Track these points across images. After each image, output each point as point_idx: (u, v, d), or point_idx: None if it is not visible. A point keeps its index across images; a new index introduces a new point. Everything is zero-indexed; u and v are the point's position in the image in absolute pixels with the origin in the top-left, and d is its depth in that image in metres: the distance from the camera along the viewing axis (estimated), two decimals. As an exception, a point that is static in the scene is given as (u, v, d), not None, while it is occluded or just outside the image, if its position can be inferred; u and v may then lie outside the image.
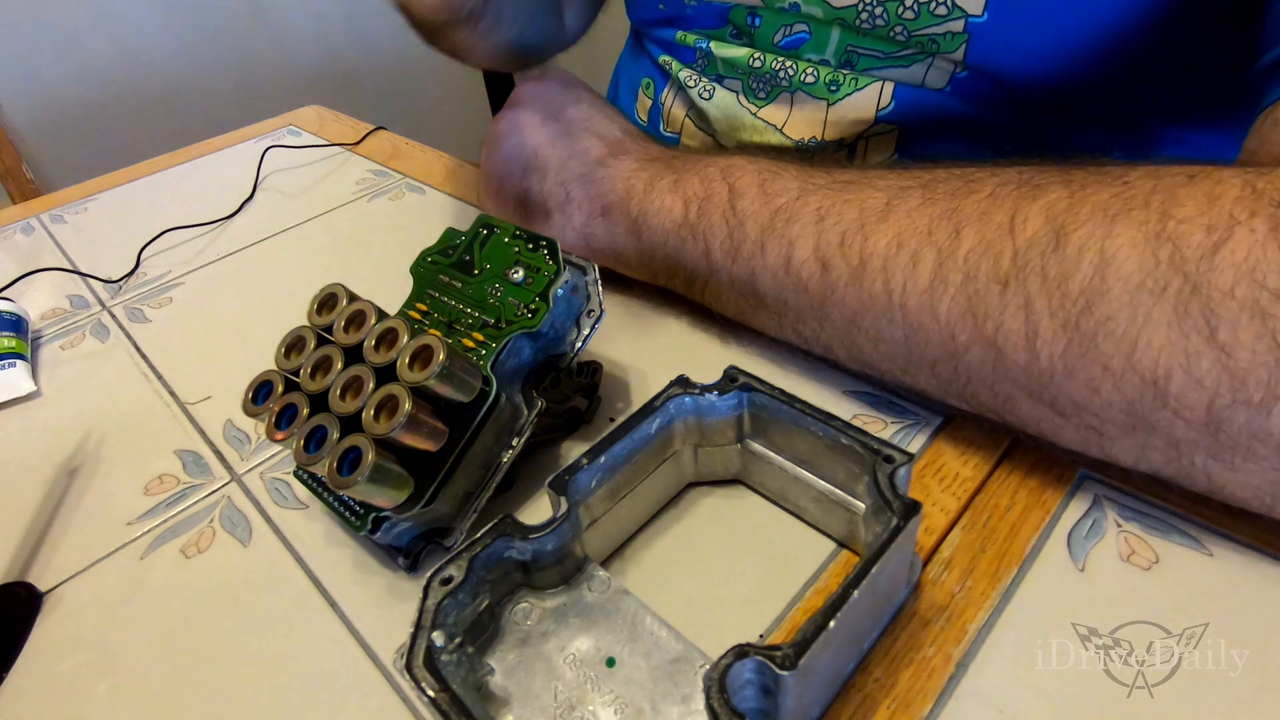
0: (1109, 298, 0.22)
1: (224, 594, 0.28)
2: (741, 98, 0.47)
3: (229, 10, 1.60)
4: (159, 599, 0.28)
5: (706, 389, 0.26)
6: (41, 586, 0.29)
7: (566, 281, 0.29)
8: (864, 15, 0.38)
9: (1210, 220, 0.21)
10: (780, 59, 0.44)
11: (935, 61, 0.38)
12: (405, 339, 0.25)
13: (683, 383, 0.26)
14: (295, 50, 1.59)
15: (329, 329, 0.27)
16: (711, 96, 0.49)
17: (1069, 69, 0.35)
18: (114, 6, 1.49)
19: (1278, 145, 0.25)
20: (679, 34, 0.48)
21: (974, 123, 0.39)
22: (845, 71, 0.42)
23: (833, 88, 0.42)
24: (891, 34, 0.38)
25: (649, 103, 0.55)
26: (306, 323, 0.28)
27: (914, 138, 0.41)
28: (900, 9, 0.37)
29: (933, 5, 0.36)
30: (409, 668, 0.20)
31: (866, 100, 0.41)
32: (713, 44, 0.46)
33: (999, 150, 0.38)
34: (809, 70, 0.43)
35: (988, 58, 0.36)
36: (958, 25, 0.35)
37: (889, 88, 0.40)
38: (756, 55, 0.44)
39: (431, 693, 0.19)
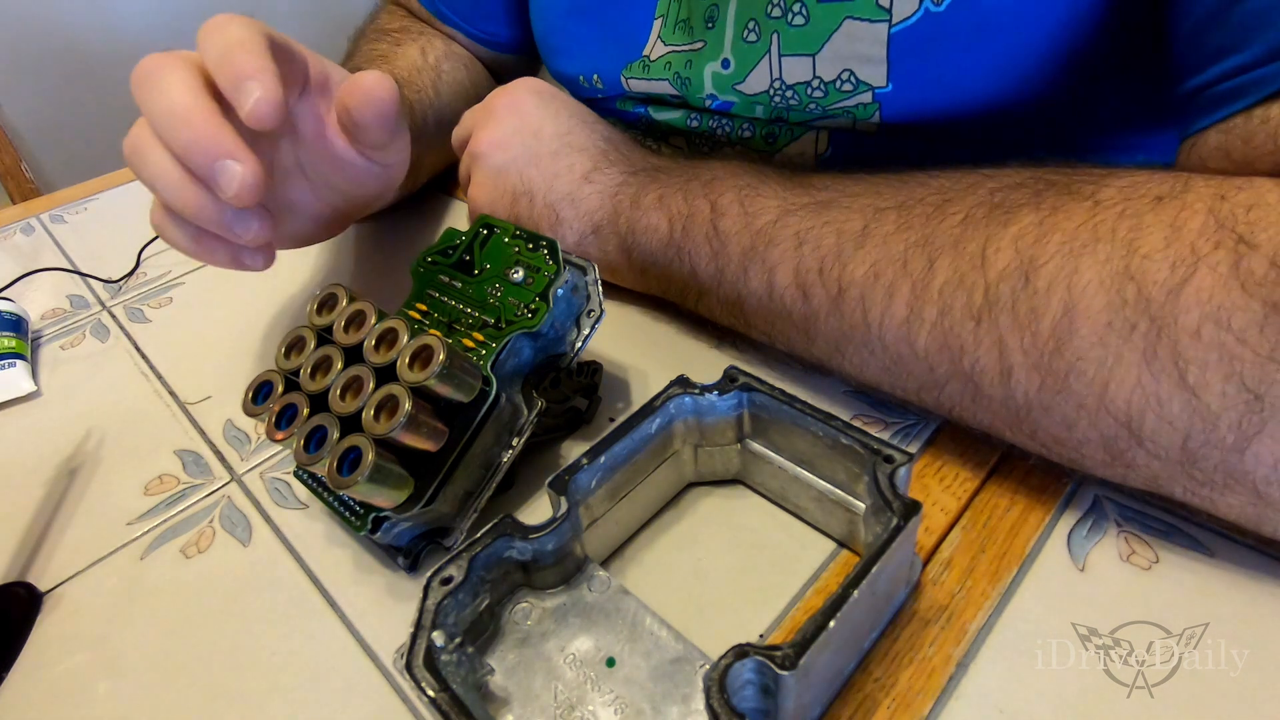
0: (1078, 338, 0.22)
1: (224, 594, 0.28)
2: (686, 155, 0.47)
3: (228, 9, 1.59)
4: (159, 599, 0.28)
5: (706, 389, 0.26)
6: (41, 586, 0.29)
7: (566, 281, 0.29)
8: (776, 99, 0.38)
9: (1174, 255, 0.21)
10: (716, 118, 0.44)
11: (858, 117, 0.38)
12: (405, 339, 0.25)
13: (683, 383, 0.26)
14: (295, 50, 1.59)
15: (329, 329, 0.27)
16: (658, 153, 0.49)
17: (986, 111, 0.34)
18: (114, 6, 1.49)
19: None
20: (618, 102, 0.48)
21: (914, 157, 0.39)
22: (779, 124, 0.42)
23: (770, 140, 0.42)
24: (807, 109, 0.38)
25: None
26: (306, 323, 0.28)
27: None
28: (809, 90, 0.37)
29: (838, 84, 0.36)
30: (409, 668, 0.20)
31: (805, 147, 0.41)
32: (650, 108, 0.47)
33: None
34: (745, 125, 0.43)
35: (904, 116, 0.36)
36: (866, 97, 0.36)
37: (825, 135, 0.40)
38: (693, 115, 0.45)
39: (431, 693, 0.19)
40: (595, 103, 0.51)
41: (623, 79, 0.45)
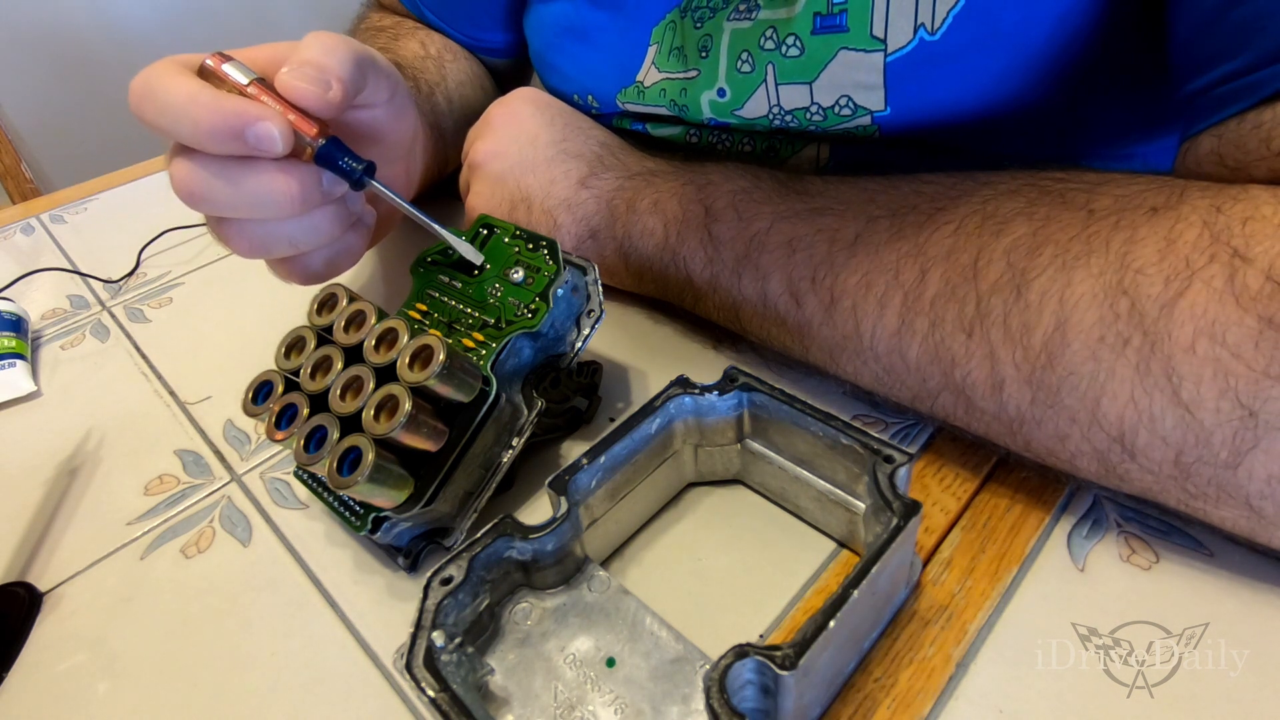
0: (1070, 352, 0.22)
1: (224, 594, 0.28)
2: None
3: (229, 9, 1.60)
4: (159, 599, 0.28)
5: (706, 389, 0.26)
6: (41, 586, 0.29)
7: (566, 281, 0.29)
8: (776, 122, 0.38)
9: (1168, 269, 0.21)
10: (716, 133, 0.44)
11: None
12: (405, 339, 0.25)
13: (683, 383, 0.26)
14: (295, 50, 1.59)
15: (329, 329, 0.27)
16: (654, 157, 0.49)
17: (985, 124, 0.34)
18: (115, 6, 1.49)
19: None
20: (615, 120, 0.48)
21: (915, 165, 0.39)
22: (780, 137, 0.41)
23: (771, 153, 0.42)
24: (807, 130, 0.38)
25: None
26: (306, 323, 0.28)
27: None
28: (807, 114, 0.37)
29: (836, 109, 0.36)
30: (409, 668, 0.20)
31: (806, 160, 0.41)
32: (649, 126, 0.47)
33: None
34: (745, 140, 0.43)
35: (903, 133, 0.36)
36: (865, 120, 0.36)
37: (825, 147, 0.40)
38: (692, 131, 0.45)
39: (431, 693, 0.19)
40: (591, 118, 0.52)
41: (618, 101, 0.45)
